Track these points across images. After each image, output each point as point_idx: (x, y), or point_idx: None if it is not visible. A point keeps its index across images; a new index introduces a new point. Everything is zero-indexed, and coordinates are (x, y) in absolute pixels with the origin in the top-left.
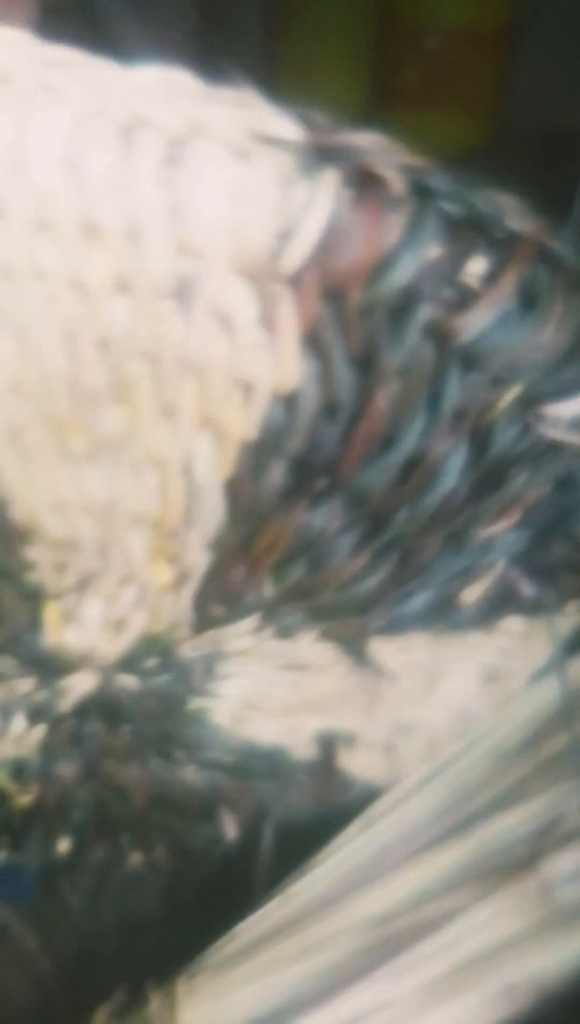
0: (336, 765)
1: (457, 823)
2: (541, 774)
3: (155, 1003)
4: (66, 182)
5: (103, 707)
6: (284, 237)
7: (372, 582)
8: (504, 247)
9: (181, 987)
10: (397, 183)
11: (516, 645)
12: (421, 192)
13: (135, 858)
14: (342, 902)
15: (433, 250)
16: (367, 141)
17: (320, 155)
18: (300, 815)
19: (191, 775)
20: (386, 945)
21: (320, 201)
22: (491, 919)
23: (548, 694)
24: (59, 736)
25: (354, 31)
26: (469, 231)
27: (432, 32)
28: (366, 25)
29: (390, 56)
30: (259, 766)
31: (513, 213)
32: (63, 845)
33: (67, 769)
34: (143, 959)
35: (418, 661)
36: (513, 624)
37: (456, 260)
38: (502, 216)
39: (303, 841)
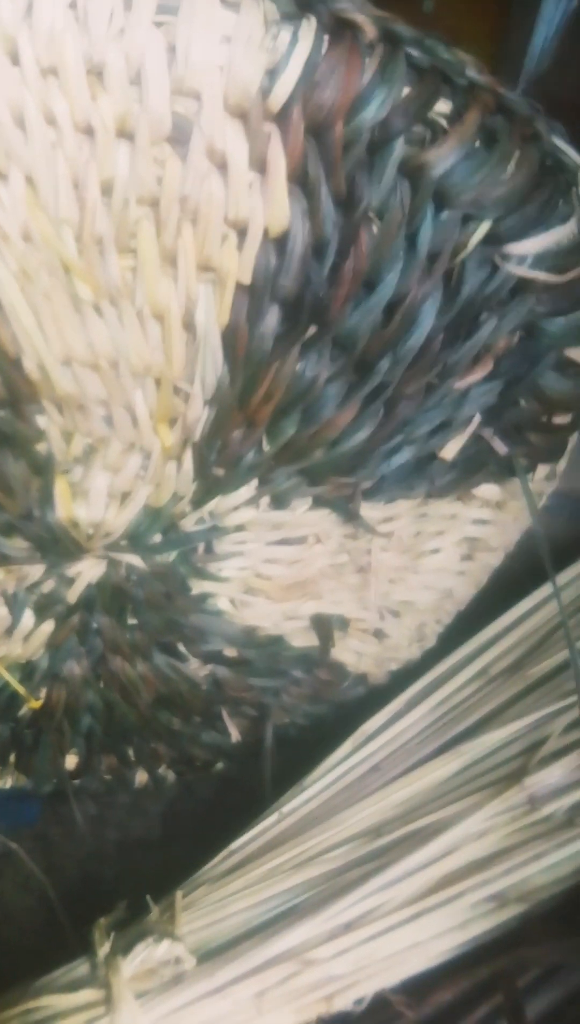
0: (331, 654)
1: (447, 740)
2: (528, 695)
3: (154, 914)
4: (73, 27)
5: (110, 597)
6: (271, 74)
7: (360, 436)
8: (466, 92)
9: (180, 899)
10: (370, 29)
11: (492, 515)
12: (391, 39)
13: (140, 776)
14: (336, 817)
15: (404, 90)
16: None
17: (300, 3)
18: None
19: (195, 671)
20: (378, 857)
21: (302, 43)
22: (480, 831)
23: (534, 621)
24: (66, 632)
25: None
26: (434, 75)
27: None
28: None
29: None
30: (259, 658)
31: (472, 65)
32: (71, 760)
33: (75, 669)
34: (144, 877)
35: (403, 533)
36: (489, 492)
37: (425, 99)
38: (463, 66)
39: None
